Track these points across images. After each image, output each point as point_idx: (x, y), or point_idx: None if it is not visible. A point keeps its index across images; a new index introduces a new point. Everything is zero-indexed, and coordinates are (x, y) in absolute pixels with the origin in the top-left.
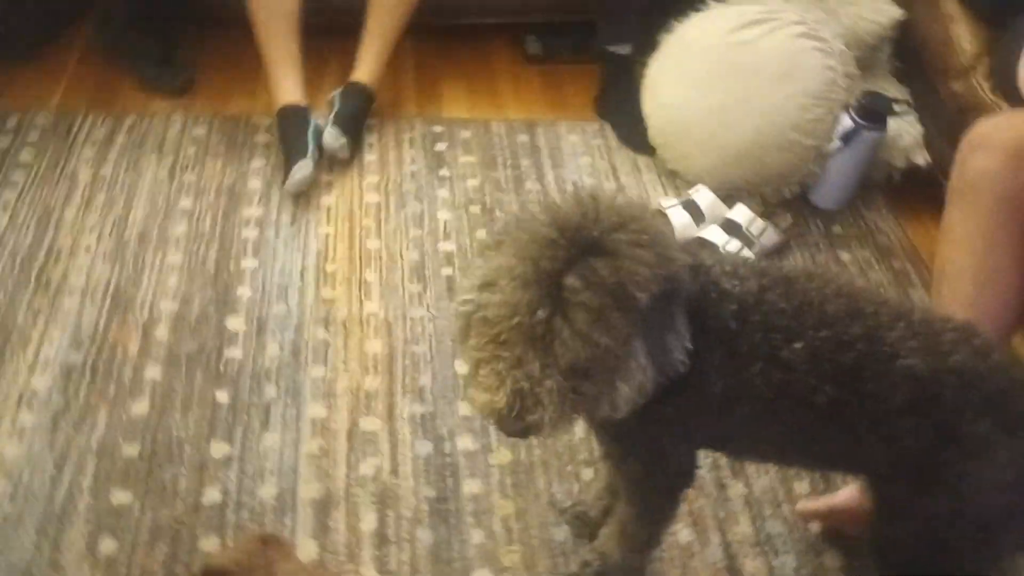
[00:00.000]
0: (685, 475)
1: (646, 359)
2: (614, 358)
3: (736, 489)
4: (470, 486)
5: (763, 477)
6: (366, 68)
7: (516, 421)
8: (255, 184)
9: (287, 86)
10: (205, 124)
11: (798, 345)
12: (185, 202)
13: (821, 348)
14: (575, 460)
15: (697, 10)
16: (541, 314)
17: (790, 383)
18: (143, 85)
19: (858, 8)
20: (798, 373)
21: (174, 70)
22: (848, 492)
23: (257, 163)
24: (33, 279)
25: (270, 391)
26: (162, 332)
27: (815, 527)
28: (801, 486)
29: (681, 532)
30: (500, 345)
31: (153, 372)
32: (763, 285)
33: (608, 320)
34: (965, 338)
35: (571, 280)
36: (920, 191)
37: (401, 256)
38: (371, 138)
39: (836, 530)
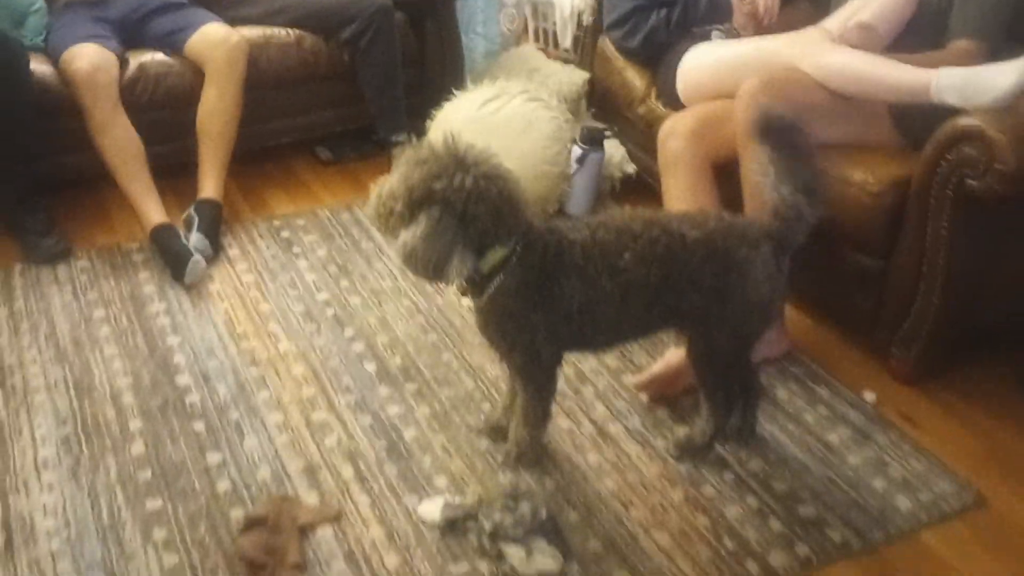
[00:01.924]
0: (555, 362)
1: (465, 251)
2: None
3: (587, 390)
4: (409, 433)
5: (600, 377)
6: (211, 185)
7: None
8: (149, 289)
9: (153, 210)
10: (86, 257)
11: (627, 255)
12: (98, 312)
13: (641, 250)
14: (474, 401)
15: (448, 100)
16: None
17: (630, 280)
18: (29, 256)
19: (559, 76)
20: (632, 272)
21: (54, 240)
22: (659, 365)
23: (144, 274)
24: None
25: (234, 414)
26: (128, 398)
27: (644, 397)
28: (626, 377)
29: (562, 422)
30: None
31: (135, 424)
32: (592, 229)
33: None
34: (707, 215)
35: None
36: (635, 191)
37: (290, 310)
38: (227, 240)
39: (659, 394)
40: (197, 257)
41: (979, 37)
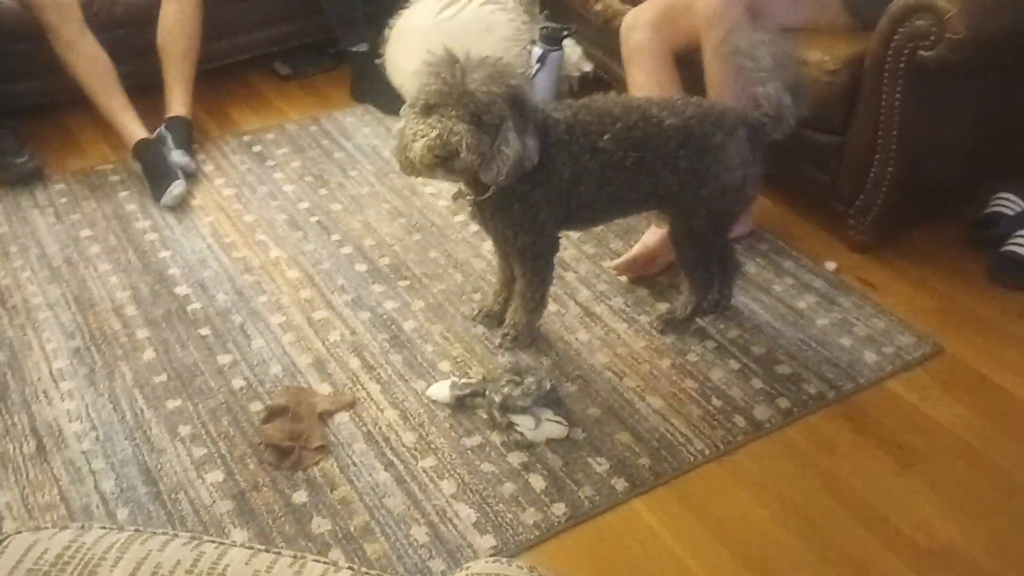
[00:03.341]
0: (554, 245)
1: (516, 140)
2: (497, 123)
3: (570, 275)
4: (408, 325)
5: (581, 264)
6: (179, 102)
7: (444, 151)
8: (131, 207)
9: (133, 127)
10: (61, 181)
11: (607, 136)
12: (84, 232)
13: (620, 133)
14: (465, 292)
15: (404, 7)
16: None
17: (609, 160)
18: (2, 178)
19: None
20: (611, 152)
21: (25, 158)
22: (637, 247)
23: (123, 193)
24: (1, 310)
25: (237, 319)
26: (131, 310)
27: (624, 278)
28: (605, 262)
29: (551, 307)
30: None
31: (142, 333)
32: (575, 110)
33: (494, 100)
34: (686, 101)
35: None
36: (592, 89)
37: (275, 219)
38: (201, 156)
39: (638, 274)
40: (180, 180)
41: None
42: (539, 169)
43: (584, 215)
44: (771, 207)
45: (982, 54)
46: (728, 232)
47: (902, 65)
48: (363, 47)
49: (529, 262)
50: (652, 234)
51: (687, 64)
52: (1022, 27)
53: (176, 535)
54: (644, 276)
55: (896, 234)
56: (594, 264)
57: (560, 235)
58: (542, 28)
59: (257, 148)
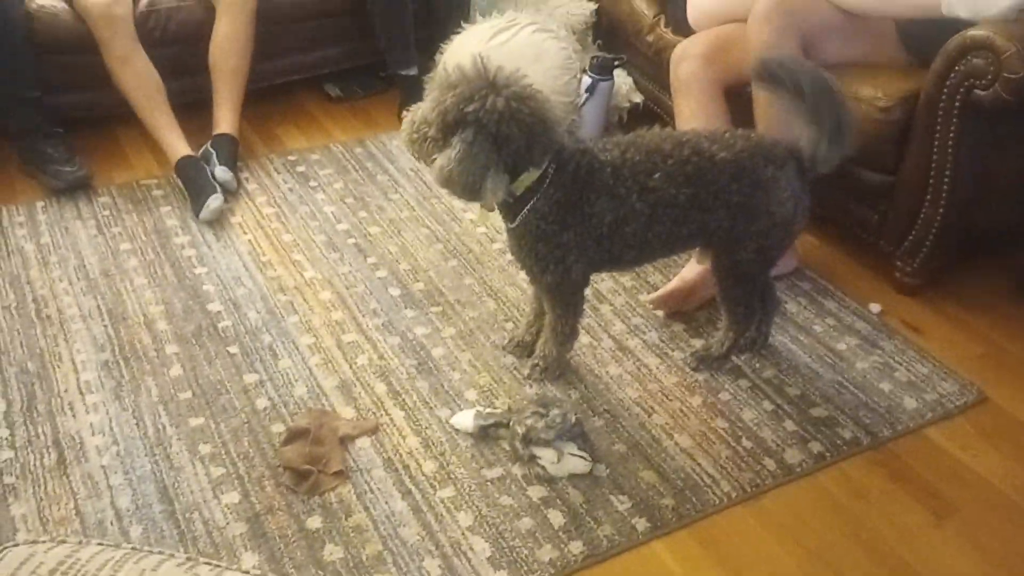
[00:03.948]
0: (584, 282)
1: (456, 154)
2: (483, 162)
3: (605, 308)
4: (437, 352)
5: (618, 296)
6: (226, 120)
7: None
8: (172, 222)
9: (177, 143)
10: (106, 194)
11: (657, 175)
12: (124, 245)
13: (671, 170)
14: (497, 321)
15: (457, 32)
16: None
17: (661, 198)
18: (51, 185)
19: (566, 7)
20: (663, 191)
21: (76, 167)
22: (675, 281)
23: (164, 208)
24: (35, 319)
25: (266, 338)
26: (162, 325)
27: (660, 313)
28: (642, 295)
29: (583, 338)
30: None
31: (171, 348)
32: (622, 149)
33: (478, 136)
34: (735, 134)
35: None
36: (642, 121)
37: (312, 240)
38: (244, 175)
39: (675, 309)
40: (218, 194)
41: None
42: (573, 211)
43: (630, 256)
44: (817, 246)
45: None
46: (772, 267)
47: (957, 104)
48: (413, 71)
49: (556, 298)
50: (691, 269)
51: (737, 98)
52: None
53: (172, 555)
54: (681, 311)
55: (944, 277)
56: (631, 297)
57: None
58: (593, 57)
59: (301, 168)
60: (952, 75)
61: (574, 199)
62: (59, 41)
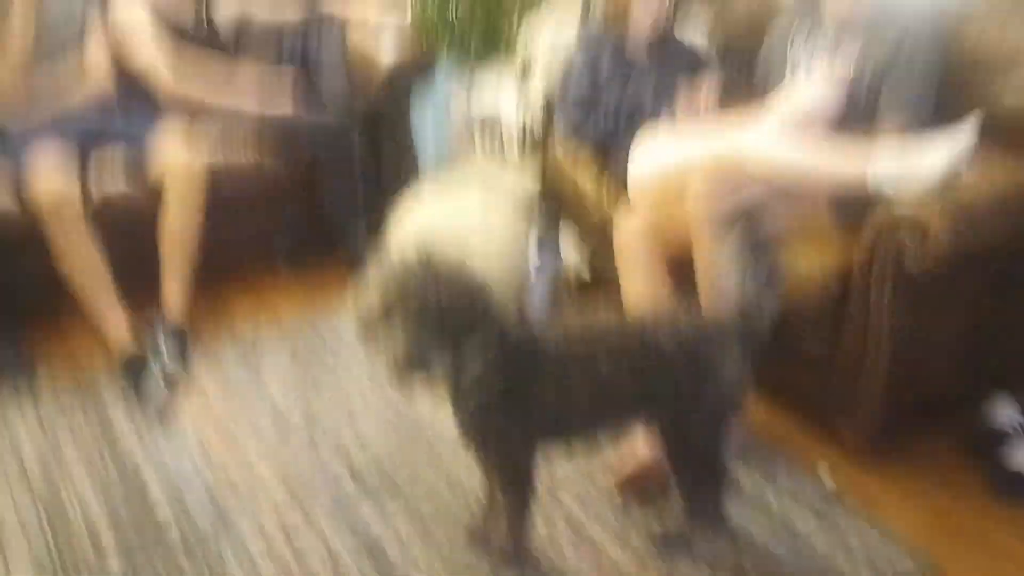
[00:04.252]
0: (530, 461)
1: (439, 354)
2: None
3: (563, 495)
4: (393, 551)
5: (574, 483)
6: (174, 307)
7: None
8: (116, 413)
9: (122, 333)
10: (50, 386)
11: (601, 360)
12: (66, 439)
13: (615, 355)
14: (454, 512)
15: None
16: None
17: (609, 383)
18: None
19: (512, 184)
20: (607, 377)
21: (21, 362)
22: (630, 464)
23: (110, 398)
24: None
25: (217, 547)
26: (106, 536)
27: (618, 495)
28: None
29: (541, 529)
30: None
31: (115, 563)
32: (567, 331)
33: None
34: (678, 315)
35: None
36: (591, 292)
37: (262, 428)
38: (193, 359)
39: (634, 490)
40: (160, 383)
41: (908, 123)
42: (516, 394)
43: (576, 439)
44: (766, 415)
45: (966, 266)
46: (723, 442)
47: (889, 275)
48: (363, 244)
49: (504, 480)
50: (644, 449)
51: (679, 268)
52: (1004, 240)
53: None
54: (640, 491)
55: (893, 443)
56: (588, 481)
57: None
58: (540, 232)
59: (251, 348)
60: (881, 248)
61: (517, 382)
62: (7, 228)
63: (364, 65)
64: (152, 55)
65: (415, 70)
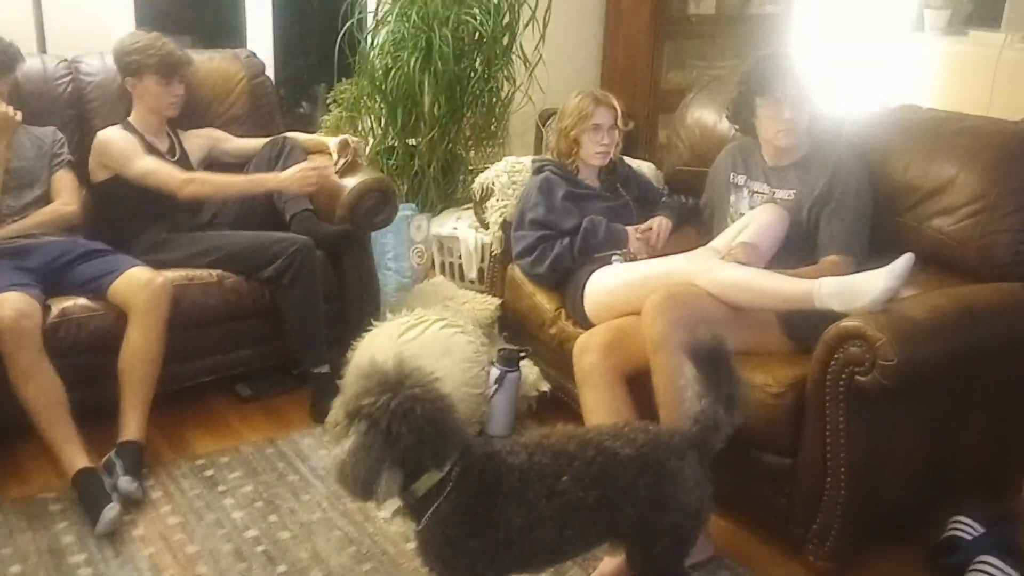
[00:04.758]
0: None
1: (393, 471)
2: (376, 458)
3: None
4: None
5: None
6: (132, 427)
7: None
8: (68, 539)
9: (75, 456)
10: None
11: (565, 478)
12: (15, 568)
13: (578, 472)
14: None
15: (368, 330)
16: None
17: (569, 501)
18: None
19: (472, 303)
20: (571, 494)
21: None
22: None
23: (62, 524)
24: None
25: None
26: None
27: None
28: None
29: None
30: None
31: None
32: (530, 451)
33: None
34: (634, 428)
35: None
36: (550, 407)
37: (219, 550)
38: (149, 482)
39: None
40: (113, 504)
41: (847, 252)
42: (479, 517)
43: (541, 560)
44: (731, 531)
45: (917, 379)
46: (686, 556)
47: (841, 389)
48: (325, 368)
49: None
50: (608, 563)
51: (637, 385)
52: (953, 354)
53: None
54: None
55: (856, 559)
56: None
57: None
58: (500, 350)
59: (209, 472)
60: (833, 362)
61: (480, 504)
62: None
63: (327, 188)
64: (151, 161)
65: (376, 195)
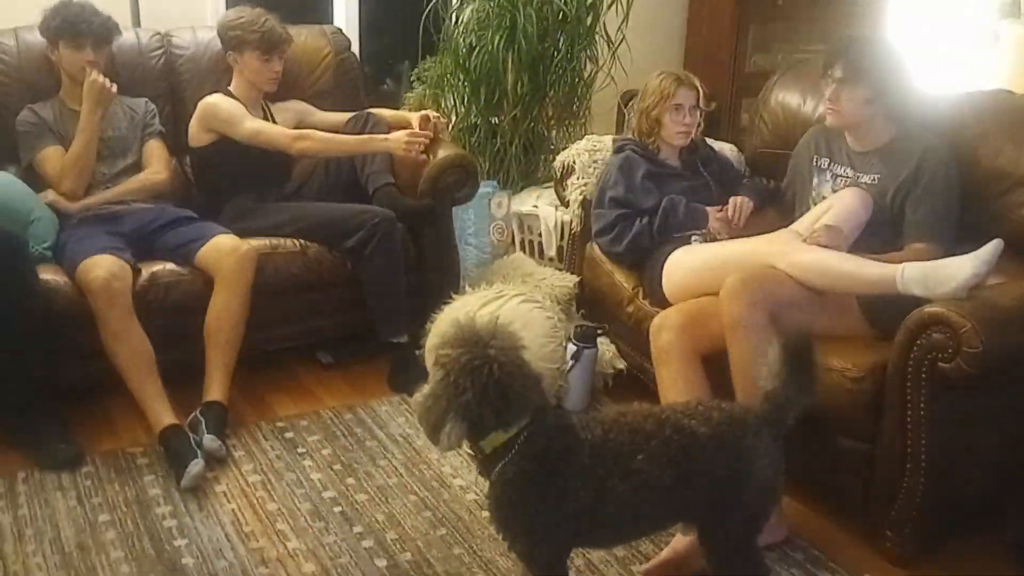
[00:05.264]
0: (553, 559)
1: (458, 423)
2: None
3: None
4: None
5: (610, 568)
6: (217, 389)
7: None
8: (155, 492)
9: (163, 413)
10: (90, 463)
11: (641, 457)
12: (103, 516)
13: (655, 451)
14: None
15: (446, 304)
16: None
17: (644, 480)
18: (41, 462)
19: (550, 280)
20: (647, 473)
21: (68, 445)
22: (666, 552)
23: (148, 477)
24: None
25: None
26: None
27: None
28: (635, 567)
29: None
30: None
31: None
32: (606, 429)
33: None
34: (709, 406)
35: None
36: (626, 385)
37: (297, 508)
38: (231, 441)
39: None
40: (198, 459)
41: (932, 239)
42: (544, 486)
43: (608, 536)
44: (807, 514)
45: (1001, 368)
46: (759, 533)
47: (924, 376)
48: (403, 339)
49: (529, 567)
50: (681, 539)
51: (714, 365)
52: None
53: None
54: None
55: (938, 549)
56: (623, 568)
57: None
58: (577, 326)
59: (290, 435)
60: (915, 348)
61: (546, 474)
62: (57, 315)
63: (409, 163)
64: (260, 121)
65: (458, 171)
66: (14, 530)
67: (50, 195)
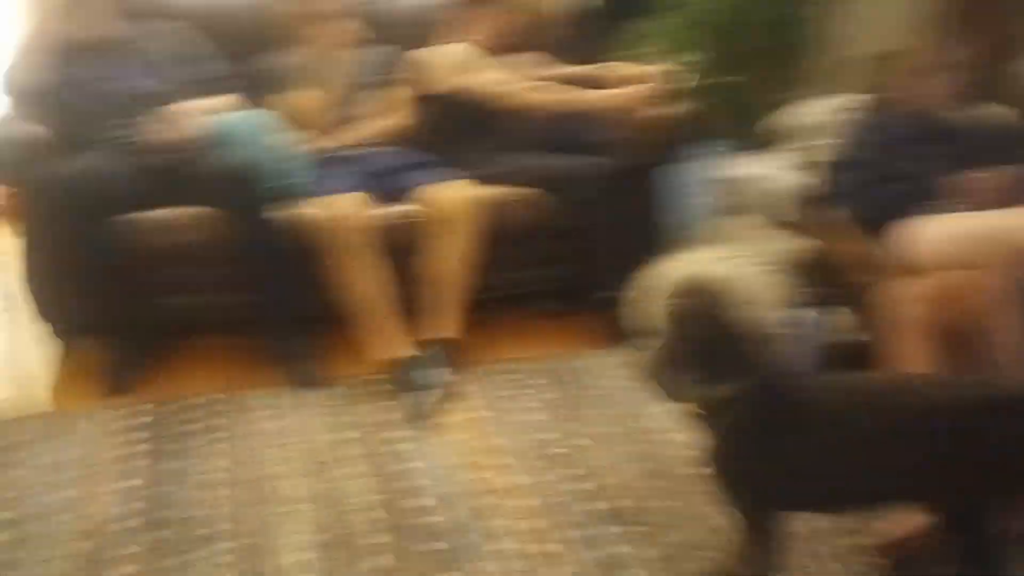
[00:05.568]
0: (769, 521)
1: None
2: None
3: (823, 549)
4: (635, 574)
5: (838, 537)
6: (450, 325)
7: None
8: (395, 416)
9: (401, 344)
10: (340, 385)
11: (885, 427)
12: (350, 434)
13: (892, 417)
14: (702, 549)
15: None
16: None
17: (879, 452)
18: (296, 380)
19: (779, 243)
20: (882, 439)
21: (313, 368)
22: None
23: (391, 403)
24: (261, 498)
25: (471, 538)
26: (376, 513)
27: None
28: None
29: None
30: None
31: (383, 538)
32: (843, 391)
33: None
34: (963, 379)
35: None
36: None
37: (522, 445)
38: (464, 376)
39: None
40: (427, 393)
41: None
42: (766, 445)
43: (833, 505)
44: None
45: None
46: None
47: None
48: (626, 293)
49: (747, 530)
50: (921, 513)
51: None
52: None
53: None
54: (906, 559)
55: None
56: (851, 538)
57: None
58: (807, 292)
59: (517, 376)
60: None
61: (764, 433)
62: (302, 249)
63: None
64: (495, 72)
65: (688, 129)
66: (275, 439)
67: (299, 134)
